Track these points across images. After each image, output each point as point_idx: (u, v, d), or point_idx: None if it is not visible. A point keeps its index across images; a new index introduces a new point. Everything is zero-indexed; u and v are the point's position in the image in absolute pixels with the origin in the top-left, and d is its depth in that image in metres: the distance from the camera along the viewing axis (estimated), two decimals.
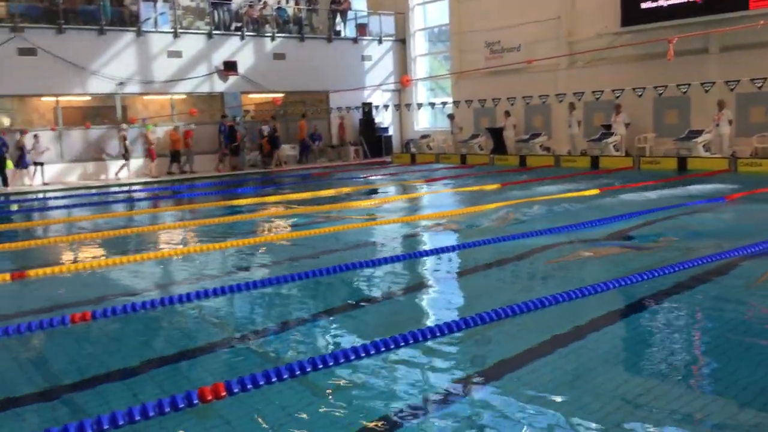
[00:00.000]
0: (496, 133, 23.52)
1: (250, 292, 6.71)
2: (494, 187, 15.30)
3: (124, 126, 22.56)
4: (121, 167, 22.18)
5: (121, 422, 3.67)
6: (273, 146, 24.65)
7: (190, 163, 23.50)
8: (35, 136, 20.79)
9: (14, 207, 17.01)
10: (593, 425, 3.58)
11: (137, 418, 3.73)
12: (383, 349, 4.70)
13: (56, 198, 17.85)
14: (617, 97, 19.61)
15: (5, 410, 4.09)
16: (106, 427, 3.63)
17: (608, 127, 20.43)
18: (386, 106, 28.26)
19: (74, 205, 16.04)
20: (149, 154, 22.79)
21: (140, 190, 19.47)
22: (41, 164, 20.87)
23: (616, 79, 20.36)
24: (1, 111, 21.44)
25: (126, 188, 20.04)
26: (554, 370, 4.38)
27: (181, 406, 3.87)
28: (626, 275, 6.41)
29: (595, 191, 13.61)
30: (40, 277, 7.72)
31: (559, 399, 3.91)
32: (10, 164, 20.34)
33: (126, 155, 22.22)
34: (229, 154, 24.12)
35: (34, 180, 20.86)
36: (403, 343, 4.79)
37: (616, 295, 6.10)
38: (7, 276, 7.64)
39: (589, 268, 7.28)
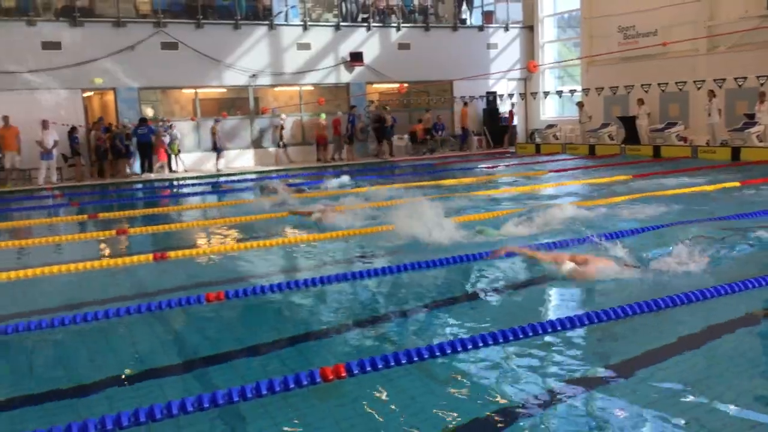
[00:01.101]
0: (629, 122, 22.51)
1: (380, 277, 6.82)
2: (625, 178, 14.68)
3: (283, 116, 23.63)
4: (284, 151, 23.26)
5: (249, 395, 3.86)
6: (382, 136, 24.84)
7: (338, 151, 24.27)
8: (170, 126, 22.09)
9: (166, 191, 18.04)
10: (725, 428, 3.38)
11: (264, 392, 3.90)
12: (503, 340, 4.66)
13: (199, 184, 18.88)
14: (762, 84, 18.22)
15: (147, 380, 4.40)
16: (236, 399, 3.84)
17: (751, 116, 19.03)
18: (511, 95, 27.78)
19: (212, 192, 16.88)
20: (280, 142, 23.64)
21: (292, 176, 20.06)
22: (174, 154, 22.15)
23: (761, 64, 18.93)
24: (146, 102, 22.95)
25: (282, 174, 20.69)
26: (684, 370, 4.17)
27: (305, 383, 4.01)
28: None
29: (735, 183, 12.74)
30: (179, 258, 8.23)
31: (689, 399, 3.72)
32: (175, 148, 21.83)
33: (282, 143, 23.25)
34: (348, 144, 24.62)
35: (178, 167, 22.15)
36: (531, 334, 4.74)
37: (758, 294, 5.69)
38: (150, 256, 8.20)
39: (727, 265, 6.83)
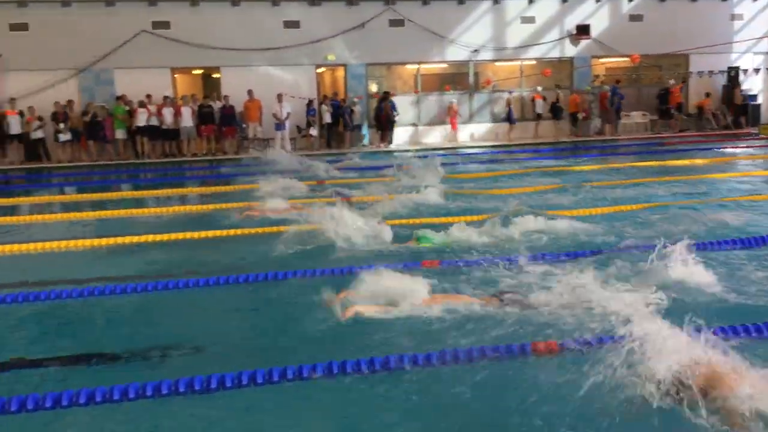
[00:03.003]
0: None
1: None
2: None
3: (513, 91, 23.60)
4: (510, 127, 23.36)
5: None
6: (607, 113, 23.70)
7: (605, 125, 23.79)
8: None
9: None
10: None
11: None
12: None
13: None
14: None
15: None
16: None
17: None
18: (757, 70, 25.07)
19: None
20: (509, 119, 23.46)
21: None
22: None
23: None
24: (372, 78, 24.01)
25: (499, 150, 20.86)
26: None
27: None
28: None
29: None
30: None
31: None
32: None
33: (511, 119, 23.29)
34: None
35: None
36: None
37: None
38: None
39: None
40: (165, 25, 21.36)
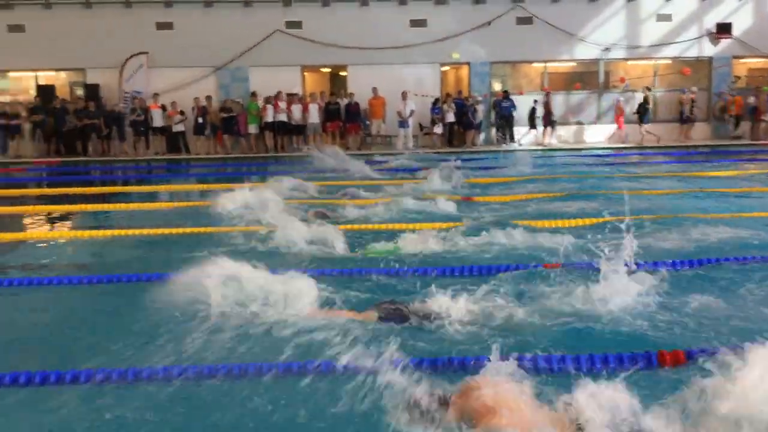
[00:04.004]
0: None
1: None
2: None
3: (648, 90, 22.79)
4: (642, 129, 22.48)
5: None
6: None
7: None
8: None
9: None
10: None
11: None
12: None
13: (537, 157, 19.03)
14: None
15: None
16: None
17: None
18: None
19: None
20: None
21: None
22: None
23: None
24: (495, 76, 23.81)
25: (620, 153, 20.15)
26: None
27: None
28: None
29: None
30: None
31: None
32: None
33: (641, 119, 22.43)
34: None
35: (545, 139, 22.52)
36: None
37: None
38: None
39: None
40: (297, 24, 22.18)
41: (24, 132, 21.09)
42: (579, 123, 23.23)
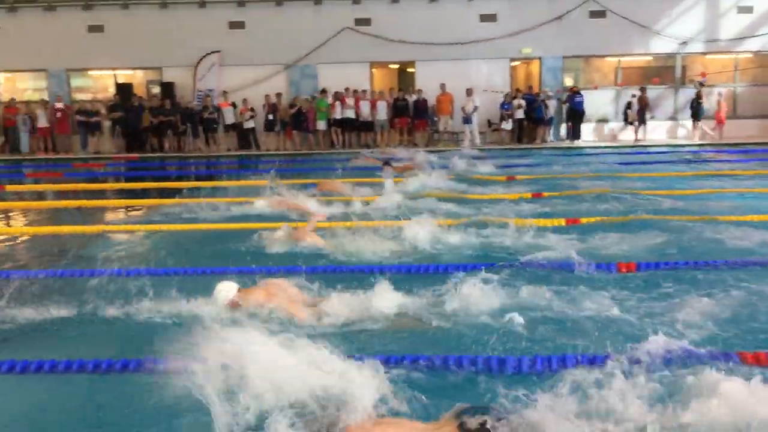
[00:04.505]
0: None
1: None
2: None
3: (701, 85, 21.94)
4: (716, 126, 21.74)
5: None
6: None
7: None
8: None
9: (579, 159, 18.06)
10: None
11: None
12: None
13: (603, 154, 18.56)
14: None
15: None
16: None
17: None
18: None
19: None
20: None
21: None
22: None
23: None
24: (568, 71, 23.30)
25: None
26: None
27: None
28: None
29: None
30: (591, 223, 8.27)
31: None
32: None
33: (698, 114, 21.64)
34: None
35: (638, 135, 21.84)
36: None
37: None
38: (563, 221, 8.42)
39: None
40: (366, 21, 22.25)
41: (103, 129, 21.90)
42: (673, 119, 22.37)
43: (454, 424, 3.02)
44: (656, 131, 22.24)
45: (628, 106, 21.82)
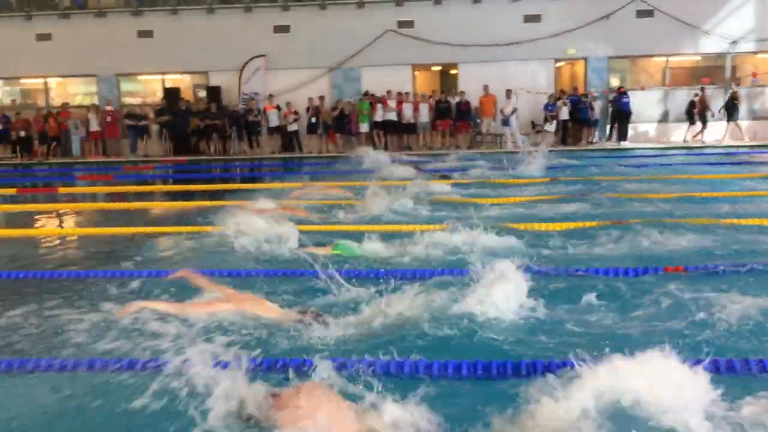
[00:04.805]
0: None
1: None
2: None
3: (737, 85, 21.38)
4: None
5: None
6: None
7: None
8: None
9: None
10: None
11: None
12: None
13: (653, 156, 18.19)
14: None
15: None
16: None
17: None
18: None
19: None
20: None
21: None
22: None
23: None
24: (614, 72, 22.96)
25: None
26: None
27: None
28: None
29: None
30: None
31: None
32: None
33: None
34: None
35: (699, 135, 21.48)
36: None
37: None
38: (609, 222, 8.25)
39: None
40: (409, 24, 22.29)
41: (151, 132, 22.39)
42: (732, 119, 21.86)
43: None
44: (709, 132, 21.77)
45: (692, 105, 21.32)
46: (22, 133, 22.14)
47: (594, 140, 21.74)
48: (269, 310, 4.91)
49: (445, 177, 13.78)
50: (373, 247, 6.90)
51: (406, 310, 4.87)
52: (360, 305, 5.07)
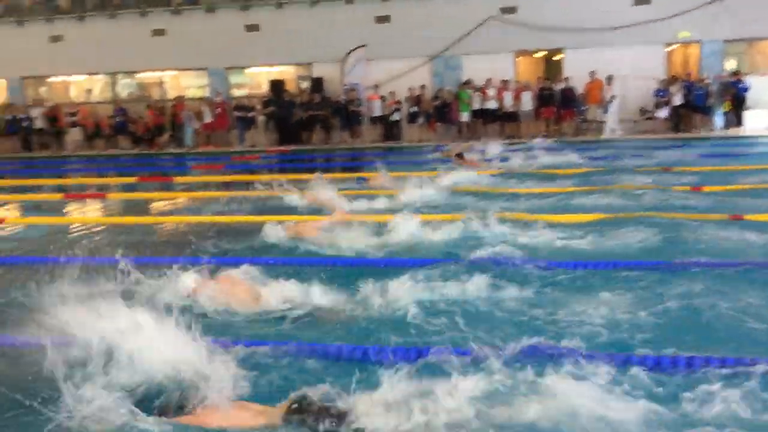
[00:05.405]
0: None
1: None
2: None
3: None
4: None
5: None
6: None
7: None
8: None
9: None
10: None
11: None
12: None
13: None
14: None
15: None
16: None
17: None
18: None
19: None
20: None
21: None
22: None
23: None
24: (729, 55, 21.68)
25: None
26: None
27: None
28: None
29: None
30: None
31: None
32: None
33: None
34: None
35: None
36: None
37: None
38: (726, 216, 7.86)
39: None
40: (512, 10, 21.89)
41: (258, 123, 23.13)
42: None
43: (286, 405, 3.40)
44: None
45: None
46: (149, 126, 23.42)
47: (712, 127, 20.59)
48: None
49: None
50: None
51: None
52: None
